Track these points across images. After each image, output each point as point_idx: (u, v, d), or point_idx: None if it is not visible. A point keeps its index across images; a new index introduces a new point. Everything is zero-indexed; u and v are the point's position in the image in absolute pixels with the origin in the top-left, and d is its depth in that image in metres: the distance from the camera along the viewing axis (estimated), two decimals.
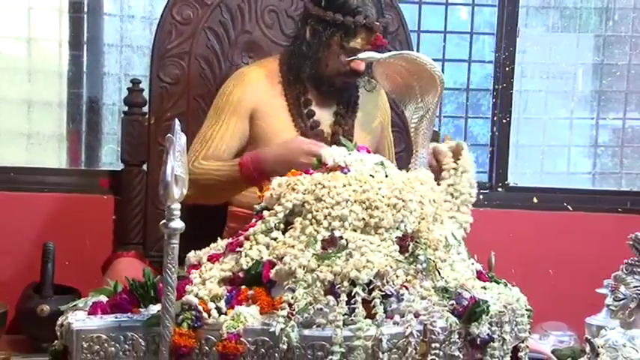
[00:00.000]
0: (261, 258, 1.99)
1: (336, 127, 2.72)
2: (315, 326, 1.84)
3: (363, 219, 2.02)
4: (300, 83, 2.69)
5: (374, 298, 1.88)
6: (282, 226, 2.07)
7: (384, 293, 1.90)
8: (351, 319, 1.84)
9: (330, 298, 1.87)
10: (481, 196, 3.59)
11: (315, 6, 2.63)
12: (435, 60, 2.42)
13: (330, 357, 1.80)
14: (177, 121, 1.81)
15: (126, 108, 3.11)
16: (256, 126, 2.68)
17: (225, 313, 1.86)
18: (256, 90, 2.68)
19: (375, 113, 2.84)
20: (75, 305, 2.00)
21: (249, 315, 1.85)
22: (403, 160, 2.80)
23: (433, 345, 1.81)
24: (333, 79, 2.66)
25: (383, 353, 1.82)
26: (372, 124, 2.81)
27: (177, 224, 1.77)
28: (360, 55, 2.53)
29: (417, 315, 1.87)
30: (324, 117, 2.72)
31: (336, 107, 2.75)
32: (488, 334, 1.95)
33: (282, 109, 2.69)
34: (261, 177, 2.45)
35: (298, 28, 2.73)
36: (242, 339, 1.81)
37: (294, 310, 1.84)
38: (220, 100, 2.70)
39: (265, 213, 2.10)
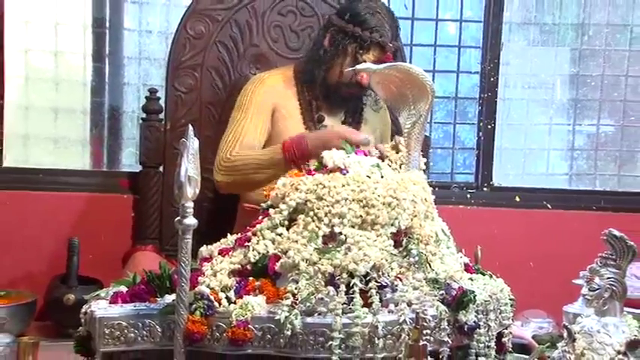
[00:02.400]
0: (267, 252, 1.99)
1: None
2: (316, 314, 1.84)
3: (361, 216, 2.02)
4: (312, 90, 2.70)
5: (370, 289, 1.87)
6: (286, 222, 2.06)
7: (379, 284, 1.89)
8: (350, 308, 1.84)
9: (331, 288, 1.87)
10: (468, 196, 3.61)
11: (339, 18, 2.67)
12: (426, 71, 2.41)
13: (330, 342, 1.80)
14: (190, 126, 1.81)
15: (144, 115, 3.10)
16: (274, 125, 2.69)
17: (235, 302, 1.86)
18: (275, 92, 2.70)
19: (377, 126, 2.84)
20: (98, 295, 2.00)
21: (257, 304, 1.85)
22: None
23: (425, 331, 1.80)
24: (340, 87, 2.66)
25: (378, 339, 1.81)
26: (373, 136, 2.80)
27: (191, 221, 1.77)
28: (358, 67, 2.52)
29: (409, 304, 1.87)
30: (332, 124, 2.72)
31: (344, 117, 2.76)
32: (475, 322, 1.94)
33: (295, 111, 2.71)
34: (302, 157, 2.48)
35: (318, 36, 2.76)
36: (250, 326, 1.81)
37: (297, 299, 1.83)
38: (244, 100, 2.71)
39: (271, 211, 2.09)
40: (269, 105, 2.69)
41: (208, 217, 2.93)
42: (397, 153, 2.47)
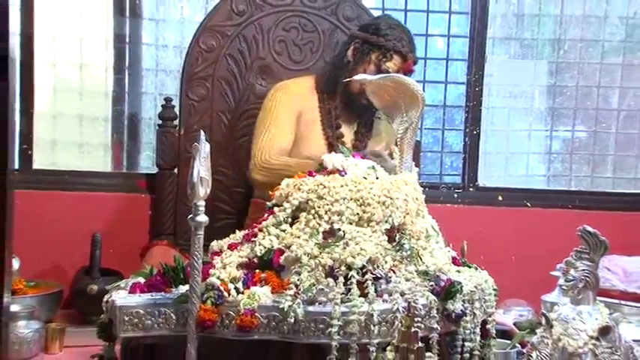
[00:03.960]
0: (272, 246, 1.98)
1: (356, 143, 2.70)
2: (317, 303, 1.83)
3: (358, 214, 2.02)
4: (332, 99, 2.68)
5: (366, 280, 1.87)
6: (289, 220, 2.06)
7: (375, 276, 1.89)
8: (348, 298, 1.83)
9: (330, 280, 1.87)
10: (455, 195, 3.60)
11: (362, 32, 2.69)
12: (417, 81, 2.41)
13: (329, 329, 1.79)
14: (202, 132, 1.81)
15: (160, 121, 3.10)
16: (297, 129, 2.67)
17: (242, 292, 1.85)
18: (300, 99, 2.68)
19: (384, 136, 2.78)
20: (118, 285, 2.00)
21: (263, 294, 1.84)
22: None
23: (416, 319, 1.79)
24: (361, 96, 2.60)
25: (374, 326, 1.81)
26: (381, 144, 2.75)
27: (202, 218, 1.76)
28: (355, 77, 2.51)
29: (402, 294, 1.87)
30: (347, 133, 2.70)
31: (357, 127, 2.73)
32: (461, 310, 1.94)
33: (316, 118, 2.68)
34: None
35: (341, 49, 2.75)
36: (256, 314, 1.81)
37: (299, 290, 1.83)
38: (273, 106, 2.68)
39: (276, 209, 2.09)
40: (295, 111, 2.66)
41: (221, 214, 2.92)
42: (392, 159, 2.48)
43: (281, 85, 2.76)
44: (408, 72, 2.61)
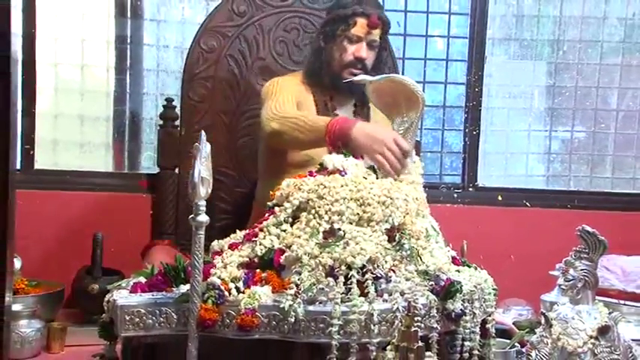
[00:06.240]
0: (273, 246, 1.98)
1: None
2: (317, 303, 1.83)
3: (358, 214, 2.01)
4: (322, 89, 2.65)
5: (367, 280, 1.86)
6: (290, 219, 2.06)
7: (375, 275, 1.89)
8: (348, 297, 1.83)
9: (330, 279, 1.86)
10: (455, 195, 3.60)
11: (327, 16, 2.69)
12: (417, 82, 2.41)
13: (330, 328, 1.79)
14: (203, 132, 1.81)
15: (161, 122, 3.10)
16: None
17: (243, 292, 1.85)
18: (293, 88, 2.63)
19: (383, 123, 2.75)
20: (119, 285, 2.00)
21: (263, 294, 1.84)
22: None
23: (416, 318, 1.79)
24: (343, 71, 2.61)
25: (374, 325, 1.81)
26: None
27: (203, 218, 1.76)
28: (355, 78, 2.51)
29: (402, 294, 1.86)
30: (344, 115, 2.60)
31: (354, 108, 2.70)
32: (461, 309, 1.93)
33: (312, 108, 2.64)
34: (341, 138, 2.31)
35: (314, 40, 2.75)
36: (257, 313, 1.80)
37: (300, 289, 1.83)
38: (273, 87, 2.62)
39: (276, 209, 2.09)
40: (294, 95, 2.60)
41: (220, 215, 2.92)
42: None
43: (272, 80, 2.71)
44: (375, 27, 2.59)
